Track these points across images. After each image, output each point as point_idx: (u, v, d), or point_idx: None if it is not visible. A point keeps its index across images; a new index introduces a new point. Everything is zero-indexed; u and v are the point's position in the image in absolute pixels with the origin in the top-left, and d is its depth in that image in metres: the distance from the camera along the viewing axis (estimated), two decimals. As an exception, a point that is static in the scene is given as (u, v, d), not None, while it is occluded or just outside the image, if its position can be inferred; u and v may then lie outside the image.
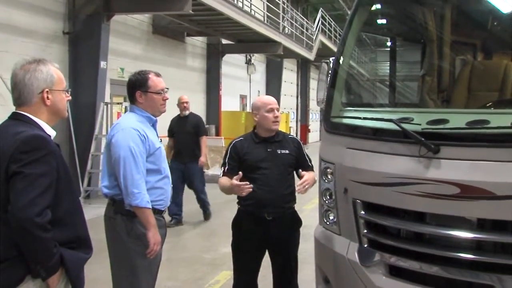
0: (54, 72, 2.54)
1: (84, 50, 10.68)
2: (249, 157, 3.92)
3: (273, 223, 3.91)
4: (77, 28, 10.71)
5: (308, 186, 3.76)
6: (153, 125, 3.50)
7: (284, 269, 4.07)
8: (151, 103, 3.44)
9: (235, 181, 3.63)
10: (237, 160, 3.93)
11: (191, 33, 16.36)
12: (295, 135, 3.74)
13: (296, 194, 3.99)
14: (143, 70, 3.56)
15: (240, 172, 3.71)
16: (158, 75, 3.50)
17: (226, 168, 3.92)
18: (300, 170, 3.98)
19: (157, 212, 3.42)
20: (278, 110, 4.00)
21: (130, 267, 3.35)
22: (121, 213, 3.33)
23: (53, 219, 2.35)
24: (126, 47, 13.06)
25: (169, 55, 15.41)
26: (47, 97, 2.49)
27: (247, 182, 3.65)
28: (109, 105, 11.19)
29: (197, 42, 17.63)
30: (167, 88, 3.52)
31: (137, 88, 3.43)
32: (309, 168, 4.05)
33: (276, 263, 4.09)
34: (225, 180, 3.83)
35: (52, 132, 2.54)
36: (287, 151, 3.96)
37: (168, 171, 3.51)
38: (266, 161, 3.89)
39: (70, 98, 2.65)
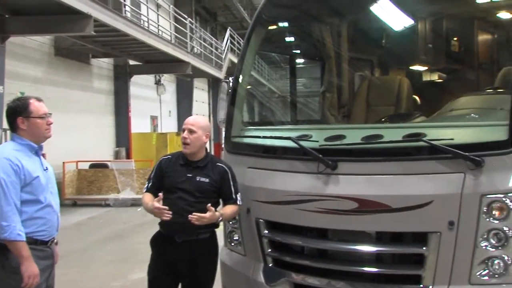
0: None
1: (-22, 74, 10.10)
2: (168, 177, 3.73)
3: (183, 245, 3.66)
4: (-31, 51, 10.11)
5: (201, 221, 3.44)
6: (37, 153, 3.37)
7: None
8: (34, 129, 3.31)
9: (156, 203, 3.50)
10: (160, 178, 3.77)
11: (97, 55, 15.89)
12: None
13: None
14: (22, 96, 3.44)
15: (161, 194, 3.57)
16: (39, 100, 3.40)
17: (149, 185, 3.77)
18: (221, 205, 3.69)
19: (40, 243, 3.28)
20: (191, 131, 3.64)
21: None
22: None
23: None
24: (26, 70, 12.47)
25: (73, 77, 14.87)
26: None
27: (167, 208, 3.49)
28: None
29: (103, 64, 17.16)
30: (50, 113, 3.41)
31: (17, 114, 3.29)
32: (231, 201, 3.61)
33: None
34: (147, 198, 3.68)
35: None
36: (206, 180, 3.66)
37: (51, 200, 3.36)
38: (183, 185, 3.65)
39: None
